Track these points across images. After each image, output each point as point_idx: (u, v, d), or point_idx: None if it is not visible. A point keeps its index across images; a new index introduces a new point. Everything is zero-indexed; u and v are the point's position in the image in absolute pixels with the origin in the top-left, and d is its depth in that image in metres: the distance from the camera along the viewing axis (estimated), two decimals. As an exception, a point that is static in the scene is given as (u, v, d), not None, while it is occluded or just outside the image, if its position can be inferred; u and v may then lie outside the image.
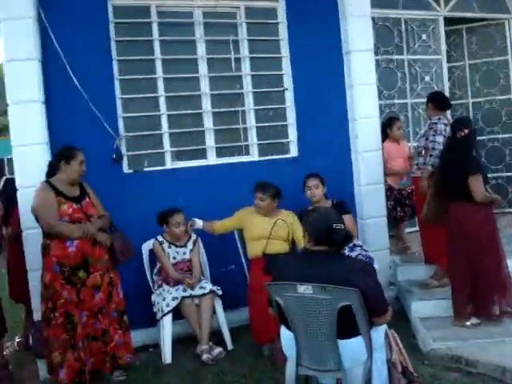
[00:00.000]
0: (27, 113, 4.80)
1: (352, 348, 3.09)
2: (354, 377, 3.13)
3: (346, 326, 3.04)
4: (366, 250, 5.15)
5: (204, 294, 4.85)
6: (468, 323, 4.76)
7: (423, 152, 5.54)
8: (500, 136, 7.35)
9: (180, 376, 4.48)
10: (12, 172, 16.77)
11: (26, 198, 4.64)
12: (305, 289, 3.01)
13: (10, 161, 18.93)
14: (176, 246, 5.07)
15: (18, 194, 4.81)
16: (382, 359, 3.30)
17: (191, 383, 4.33)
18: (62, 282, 4.25)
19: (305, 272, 3.11)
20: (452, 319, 4.85)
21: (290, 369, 3.32)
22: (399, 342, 3.44)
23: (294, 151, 5.87)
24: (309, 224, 3.24)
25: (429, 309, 5.10)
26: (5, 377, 4.42)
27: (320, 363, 3.20)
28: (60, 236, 4.26)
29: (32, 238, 4.67)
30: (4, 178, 5.44)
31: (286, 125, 5.89)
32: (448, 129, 5.25)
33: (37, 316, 4.75)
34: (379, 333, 3.28)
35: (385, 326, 3.34)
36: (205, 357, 4.66)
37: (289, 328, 3.23)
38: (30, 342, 5.23)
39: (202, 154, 5.61)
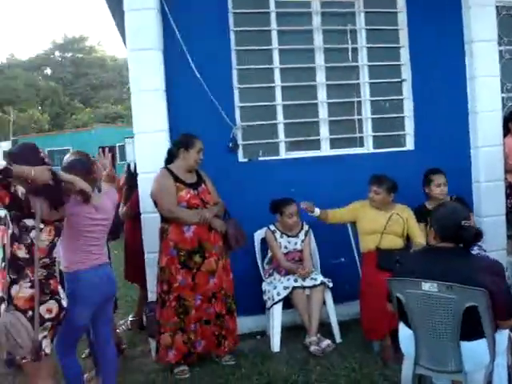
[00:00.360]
0: (149, 101, 4.97)
1: (475, 350, 2.97)
2: (475, 380, 3.02)
3: (471, 328, 2.93)
4: (484, 250, 4.94)
5: (315, 286, 4.83)
6: None
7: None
8: None
9: (289, 365, 4.49)
10: (123, 158, 17.48)
11: (145, 182, 4.82)
12: (429, 286, 2.92)
13: (121, 148, 19.80)
14: (288, 236, 5.08)
15: (138, 178, 5.00)
16: (503, 364, 3.17)
17: (300, 373, 4.32)
18: (178, 266, 4.38)
19: (430, 269, 3.01)
20: None
21: (407, 367, 3.25)
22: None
23: (410, 144, 5.71)
24: (436, 219, 3.13)
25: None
26: (118, 352, 4.60)
27: (439, 364, 3.10)
28: (178, 221, 4.38)
29: (150, 221, 4.83)
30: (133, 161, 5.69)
31: (403, 117, 5.73)
32: None
33: (151, 297, 4.92)
34: (503, 336, 3.15)
35: (508, 330, 3.18)
36: (313, 348, 4.65)
37: (408, 326, 3.15)
38: (144, 322, 5.43)
39: (315, 144, 5.58)
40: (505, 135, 5.81)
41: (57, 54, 58.26)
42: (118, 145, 25.28)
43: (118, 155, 24.80)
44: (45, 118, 41.90)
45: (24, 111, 41.19)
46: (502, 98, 5.95)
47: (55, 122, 44.33)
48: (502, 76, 5.97)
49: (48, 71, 57.73)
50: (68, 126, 41.90)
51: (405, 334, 3.20)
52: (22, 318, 2.99)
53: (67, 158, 3.72)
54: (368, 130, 5.67)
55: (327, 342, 4.73)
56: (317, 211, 5.01)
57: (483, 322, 2.91)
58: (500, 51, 5.92)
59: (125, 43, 6.65)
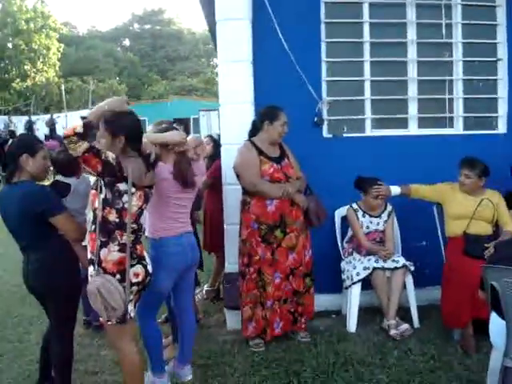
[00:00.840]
0: (236, 71, 4.91)
1: None
2: None
3: None
4: None
5: (396, 268, 4.71)
6: None
7: None
8: None
9: (365, 347, 4.41)
10: (196, 131, 18.00)
11: (228, 154, 4.81)
12: (529, 276, 2.77)
13: (195, 120, 20.20)
14: (370, 216, 4.95)
15: (222, 149, 4.99)
16: None
17: (377, 356, 4.24)
18: (259, 240, 4.36)
19: (531, 258, 2.86)
20: None
21: (496, 359, 3.14)
22: None
23: (502, 127, 5.43)
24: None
25: None
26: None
27: (533, 358, 2.95)
28: (260, 194, 4.34)
29: (231, 193, 4.82)
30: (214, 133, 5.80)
31: (497, 98, 5.45)
32: None
33: (229, 268, 4.93)
34: None
35: None
36: (392, 332, 4.54)
37: (501, 316, 3.00)
38: (221, 292, 5.47)
39: (403, 123, 5.40)
40: None
41: (136, 26, 59.28)
42: (192, 117, 25.61)
43: (191, 127, 25.13)
44: (122, 89, 42.72)
45: (103, 81, 42.18)
46: None
47: (132, 92, 45.16)
48: None
49: (127, 43, 58.91)
50: (144, 97, 42.68)
51: (497, 324, 3.06)
52: (113, 280, 3.04)
53: (156, 126, 3.74)
54: (459, 111, 5.43)
55: (406, 326, 4.60)
56: (396, 191, 4.87)
57: None
58: None
59: (205, 16, 6.63)
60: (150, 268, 3.29)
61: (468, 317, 4.25)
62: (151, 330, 3.70)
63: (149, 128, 3.83)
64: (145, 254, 3.32)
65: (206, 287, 5.88)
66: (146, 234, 3.64)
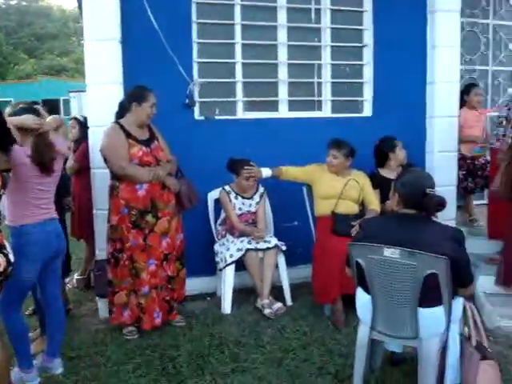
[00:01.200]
0: (103, 50, 4.72)
1: (432, 317, 2.99)
2: (430, 346, 3.04)
3: (429, 295, 2.94)
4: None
5: (268, 248, 4.79)
6: None
7: (504, 122, 5.25)
8: None
9: (240, 327, 4.45)
10: (67, 113, 17.14)
11: (96, 136, 4.61)
12: (391, 252, 2.90)
13: (66, 102, 19.27)
14: (243, 198, 4.98)
15: (89, 132, 4.79)
16: (456, 331, 3.19)
17: (251, 336, 4.29)
18: (129, 225, 4.22)
19: (392, 235, 3.00)
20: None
21: (363, 332, 3.26)
22: (477, 315, 3.29)
23: (368, 111, 5.68)
24: (401, 185, 3.10)
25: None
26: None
27: (396, 330, 3.12)
28: (129, 178, 4.20)
29: (100, 177, 4.65)
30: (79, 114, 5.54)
31: (362, 83, 5.68)
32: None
33: (100, 255, 4.77)
34: (458, 304, 3.17)
35: (462, 298, 3.21)
36: (266, 311, 4.62)
37: (367, 291, 3.13)
38: (92, 280, 5.28)
39: (274, 106, 5.47)
40: (461, 107, 5.85)
41: (0, 0, 55.68)
42: (62, 98, 24.50)
43: (61, 109, 24.06)
44: (-15, 67, 40.11)
45: (-37, 59, 39.35)
46: (460, 70, 5.95)
47: (-4, 71, 42.49)
48: (462, 48, 5.97)
49: (-10, 18, 55.20)
50: (10, 77, 40.25)
51: (362, 299, 3.19)
52: None
53: (12, 108, 3.52)
54: (327, 94, 5.60)
55: (279, 304, 4.71)
56: (267, 173, 4.93)
57: (442, 289, 2.92)
58: (461, 23, 5.90)
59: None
60: (11, 257, 3.07)
61: (337, 293, 4.41)
62: (16, 323, 3.49)
63: (7, 110, 3.59)
64: (5, 242, 3.10)
65: (76, 276, 5.65)
66: (6, 221, 3.42)
